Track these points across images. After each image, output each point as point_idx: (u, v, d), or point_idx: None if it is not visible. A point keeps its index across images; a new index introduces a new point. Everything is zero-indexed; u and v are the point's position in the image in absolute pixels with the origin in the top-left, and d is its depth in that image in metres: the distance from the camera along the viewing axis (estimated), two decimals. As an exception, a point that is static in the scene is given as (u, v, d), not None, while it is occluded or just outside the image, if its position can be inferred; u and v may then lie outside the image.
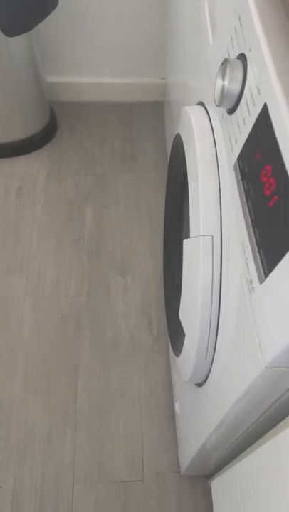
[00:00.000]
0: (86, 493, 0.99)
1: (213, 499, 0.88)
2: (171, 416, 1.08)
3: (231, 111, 0.51)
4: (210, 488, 0.97)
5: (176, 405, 1.00)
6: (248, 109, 0.46)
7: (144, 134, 1.67)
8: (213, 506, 0.87)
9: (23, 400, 1.09)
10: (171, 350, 1.09)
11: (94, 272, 1.31)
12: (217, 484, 0.86)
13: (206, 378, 0.66)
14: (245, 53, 0.47)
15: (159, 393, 1.11)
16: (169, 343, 1.05)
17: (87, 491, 0.99)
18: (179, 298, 0.82)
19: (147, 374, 1.14)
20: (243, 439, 0.72)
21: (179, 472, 1.01)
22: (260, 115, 0.43)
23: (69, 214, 1.43)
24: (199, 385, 0.73)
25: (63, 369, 1.14)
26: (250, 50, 0.46)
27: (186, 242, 0.59)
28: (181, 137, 0.68)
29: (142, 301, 1.26)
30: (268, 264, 0.40)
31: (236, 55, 0.50)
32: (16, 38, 1.28)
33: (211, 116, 0.60)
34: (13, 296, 1.25)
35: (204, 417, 0.71)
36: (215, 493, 0.88)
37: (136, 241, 1.38)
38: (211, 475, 0.98)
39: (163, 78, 1.69)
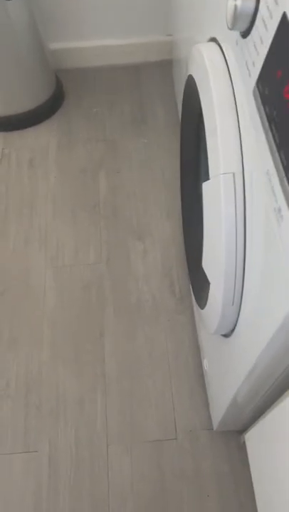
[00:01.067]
0: (121, 454, 1.00)
1: (248, 452, 0.88)
2: (200, 374, 1.07)
3: (246, 33, 0.47)
4: (244, 442, 0.96)
5: (205, 362, 0.99)
6: (265, 25, 0.42)
7: (153, 96, 1.62)
8: (249, 458, 0.87)
9: (52, 368, 1.10)
10: (195, 309, 1.07)
11: (112, 238, 1.29)
12: (251, 436, 0.86)
13: (234, 327, 0.65)
14: None
15: (186, 353, 1.10)
16: (194, 299, 1.03)
17: (122, 451, 1.00)
18: (201, 250, 0.80)
19: (173, 335, 1.13)
20: (274, 389, 0.70)
21: (212, 429, 1.01)
22: (279, 27, 0.39)
23: (82, 182, 1.41)
24: (226, 335, 0.71)
25: (89, 335, 1.14)
26: None
27: (205, 184, 0.56)
28: (194, 78, 0.64)
29: (162, 264, 1.24)
30: (297, 187, 0.37)
31: None
32: (14, 2, 1.24)
33: (223, 48, 0.57)
34: (34, 268, 1.25)
35: (234, 368, 0.70)
36: (250, 446, 0.87)
37: (151, 205, 1.35)
38: (244, 429, 0.98)
39: (169, 35, 1.62)
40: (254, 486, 0.84)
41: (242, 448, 0.99)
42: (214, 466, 0.98)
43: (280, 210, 0.41)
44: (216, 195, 0.52)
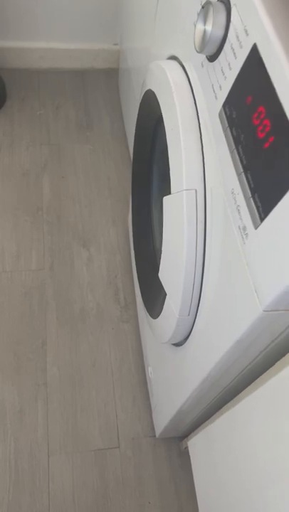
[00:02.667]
0: (62, 464, 0.98)
1: (191, 457, 0.90)
2: (144, 382, 1.09)
3: (213, 57, 0.49)
4: (185, 448, 0.99)
5: (150, 370, 1.00)
6: (234, 53, 0.44)
7: (99, 103, 1.62)
8: (192, 463, 0.89)
9: (-10, 378, 1.06)
10: (141, 318, 1.09)
11: (56, 244, 1.27)
12: (194, 443, 0.88)
13: (187, 336, 0.67)
14: (228, -5, 0.46)
15: (130, 360, 1.11)
16: (140, 308, 1.04)
17: (64, 461, 0.98)
18: (155, 260, 0.81)
19: (117, 343, 1.13)
20: (220, 397, 0.73)
21: (154, 436, 1.03)
22: (249, 56, 0.42)
23: (25, 186, 1.38)
24: (177, 345, 0.73)
25: (31, 344, 1.11)
26: (234, -9, 0.45)
27: (166, 198, 0.58)
28: (154, 93, 0.66)
29: (107, 272, 1.24)
30: (263, 208, 0.39)
31: (217, -1, 0.48)
32: None
33: (186, 68, 0.59)
34: (-28, 273, 1.20)
35: (184, 377, 0.72)
36: (192, 451, 0.90)
37: (97, 211, 1.35)
38: (184, 436, 1.00)
39: (116, 44, 1.63)
40: (196, 489, 0.87)
41: (182, 454, 1.01)
42: (156, 473, 0.99)
43: (245, 228, 0.43)
44: (178, 210, 0.54)
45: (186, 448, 0.96)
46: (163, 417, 0.93)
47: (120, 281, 1.23)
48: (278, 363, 0.50)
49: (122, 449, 1.01)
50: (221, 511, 0.75)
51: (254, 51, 0.41)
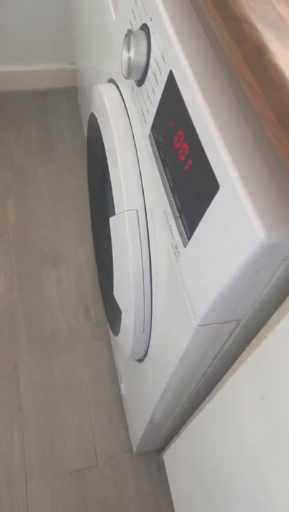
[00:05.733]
0: (41, 489, 0.97)
1: (166, 470, 0.91)
2: (119, 398, 1.09)
3: (140, 82, 0.51)
4: (162, 461, 0.99)
5: (122, 386, 1.01)
6: (156, 78, 0.46)
7: (60, 122, 1.63)
8: (168, 476, 0.90)
9: None
10: (111, 333, 1.09)
11: (24, 267, 1.27)
12: (169, 455, 0.89)
13: (146, 352, 0.67)
14: (147, 23, 0.48)
15: (104, 378, 1.11)
16: (108, 325, 1.05)
17: (42, 486, 0.97)
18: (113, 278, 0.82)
19: (90, 361, 1.13)
20: (187, 407, 0.74)
21: (132, 451, 1.03)
22: (167, 83, 0.43)
23: (-10, 210, 1.38)
24: (140, 360, 0.74)
25: (2, 369, 1.10)
26: (151, 20, 0.47)
27: (112, 219, 0.59)
28: (95, 116, 0.67)
29: (77, 291, 1.24)
30: (189, 227, 0.41)
31: (139, 26, 0.50)
32: None
33: (122, 92, 0.60)
34: None
35: (149, 390, 0.73)
36: (168, 464, 0.90)
37: (64, 231, 1.36)
38: (162, 448, 1.00)
39: (73, 63, 1.66)
40: (174, 503, 0.87)
41: (161, 467, 1.01)
42: (136, 489, 0.99)
43: (176, 246, 0.44)
44: (122, 230, 0.55)
45: (163, 461, 0.96)
46: (137, 431, 0.93)
47: (90, 299, 1.23)
48: (226, 374, 0.51)
49: (100, 468, 1.01)
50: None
51: (171, 77, 0.43)
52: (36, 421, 1.04)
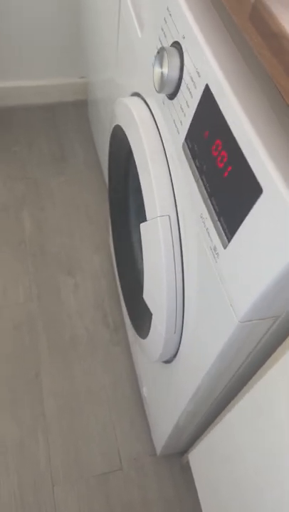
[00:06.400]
0: (67, 493, 0.99)
1: (193, 470, 0.92)
2: (140, 402, 1.11)
3: (172, 96, 0.54)
4: (186, 463, 1.01)
5: (144, 390, 1.03)
6: (190, 92, 0.49)
7: (71, 134, 1.67)
8: (194, 477, 0.92)
9: (-12, 414, 1.06)
10: (132, 339, 1.12)
11: (41, 275, 1.30)
12: (195, 455, 0.90)
13: (176, 353, 0.70)
14: (179, 41, 0.51)
15: (124, 382, 1.13)
16: (130, 330, 1.07)
17: (68, 490, 0.99)
18: (140, 281, 0.85)
19: (110, 366, 1.16)
20: (213, 409, 0.76)
21: (155, 455, 1.05)
22: (202, 96, 0.46)
23: (5, 220, 1.41)
24: (167, 361, 0.76)
25: (24, 376, 1.12)
26: (184, 38, 0.50)
27: (143, 225, 0.62)
28: (122, 129, 0.70)
29: (94, 297, 1.27)
30: (229, 229, 0.44)
31: (170, 44, 0.53)
32: None
33: (149, 104, 0.64)
34: None
35: (177, 392, 0.75)
36: (194, 465, 0.92)
37: (78, 239, 1.39)
38: (185, 450, 1.02)
39: (82, 77, 1.70)
40: (201, 503, 0.89)
41: (184, 469, 1.03)
42: (160, 492, 1.01)
43: (215, 248, 0.47)
44: (155, 236, 0.58)
45: (188, 462, 0.98)
46: (161, 434, 0.95)
47: (108, 305, 1.26)
48: (259, 372, 0.53)
49: (125, 471, 1.02)
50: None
51: (207, 91, 0.46)
52: (60, 426, 1.06)
